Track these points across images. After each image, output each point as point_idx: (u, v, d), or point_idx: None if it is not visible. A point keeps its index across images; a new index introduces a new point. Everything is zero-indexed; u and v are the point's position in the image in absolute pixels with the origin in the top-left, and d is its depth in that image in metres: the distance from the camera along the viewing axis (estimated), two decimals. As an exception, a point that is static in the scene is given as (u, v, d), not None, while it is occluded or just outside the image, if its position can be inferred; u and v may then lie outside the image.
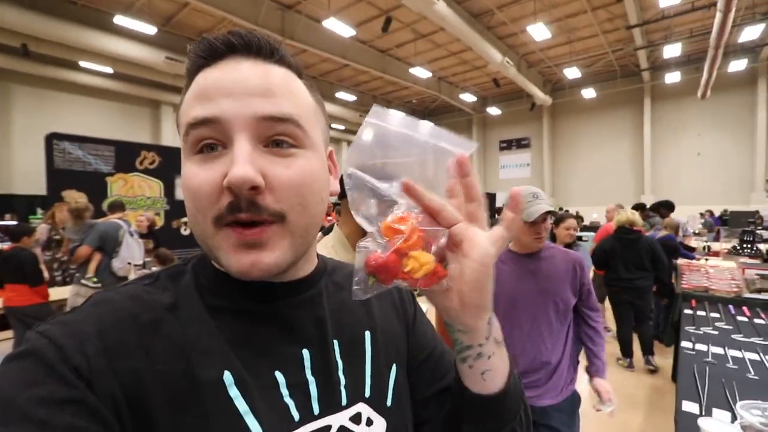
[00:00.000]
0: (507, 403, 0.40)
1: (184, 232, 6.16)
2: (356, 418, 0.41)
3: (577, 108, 16.24)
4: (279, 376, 0.38)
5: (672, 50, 10.42)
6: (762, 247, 5.04)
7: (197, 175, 0.35)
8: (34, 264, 3.02)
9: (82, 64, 10.58)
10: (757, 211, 8.37)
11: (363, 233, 0.34)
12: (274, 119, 0.35)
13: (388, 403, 0.44)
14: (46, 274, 3.19)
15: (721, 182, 13.39)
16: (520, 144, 18.15)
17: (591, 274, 3.57)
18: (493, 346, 0.38)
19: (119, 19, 8.42)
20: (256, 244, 0.34)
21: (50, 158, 5.02)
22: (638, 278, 3.49)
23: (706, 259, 4.62)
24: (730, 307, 2.61)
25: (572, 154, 16.69)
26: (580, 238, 5.23)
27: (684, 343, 1.96)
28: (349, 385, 0.42)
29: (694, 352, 1.85)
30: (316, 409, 0.39)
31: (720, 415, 1.28)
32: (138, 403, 0.31)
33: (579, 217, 9.65)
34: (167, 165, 5.97)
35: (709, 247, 5.92)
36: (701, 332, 2.14)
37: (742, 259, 4.49)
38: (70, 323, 0.32)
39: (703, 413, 1.31)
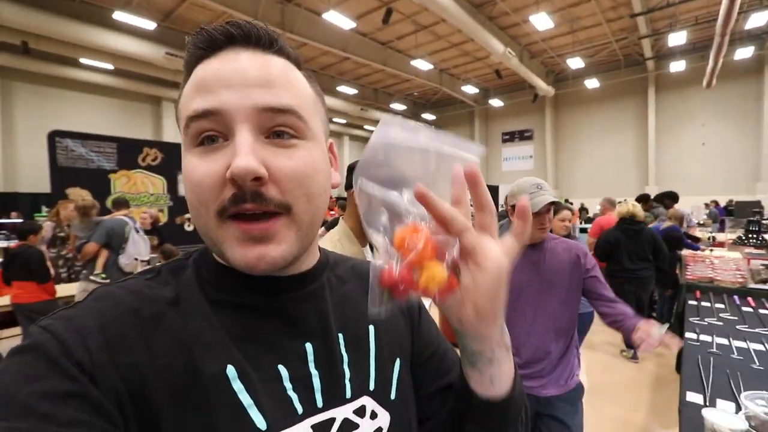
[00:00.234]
0: (512, 406, 0.41)
1: (188, 227, 6.18)
2: (360, 411, 0.41)
3: (580, 98, 16.08)
4: (282, 369, 0.38)
5: (677, 38, 10.26)
6: None
7: (198, 168, 0.34)
8: (41, 261, 3.05)
9: (83, 60, 10.57)
10: (758, 201, 8.29)
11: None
12: (274, 110, 0.35)
13: (392, 396, 0.44)
14: (52, 271, 3.22)
15: (726, 172, 13.25)
16: (522, 136, 18.03)
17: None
18: (503, 351, 0.38)
19: (118, 15, 8.38)
20: (263, 237, 0.34)
21: (53, 156, 5.03)
22: (641, 269, 3.51)
23: (711, 250, 4.60)
24: (735, 297, 2.60)
25: (575, 146, 16.56)
26: (584, 230, 5.20)
27: (688, 334, 1.96)
28: (354, 378, 0.42)
29: (698, 343, 1.85)
30: (319, 402, 0.39)
31: (724, 405, 1.29)
32: (140, 397, 0.31)
33: (584, 209, 9.63)
34: (170, 161, 5.97)
35: (714, 237, 5.88)
36: (706, 323, 2.14)
37: (748, 250, 4.47)
38: (72, 318, 0.32)
39: (708, 404, 1.31)
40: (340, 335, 0.43)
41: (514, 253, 0.33)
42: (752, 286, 2.78)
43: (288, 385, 0.37)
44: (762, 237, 4.96)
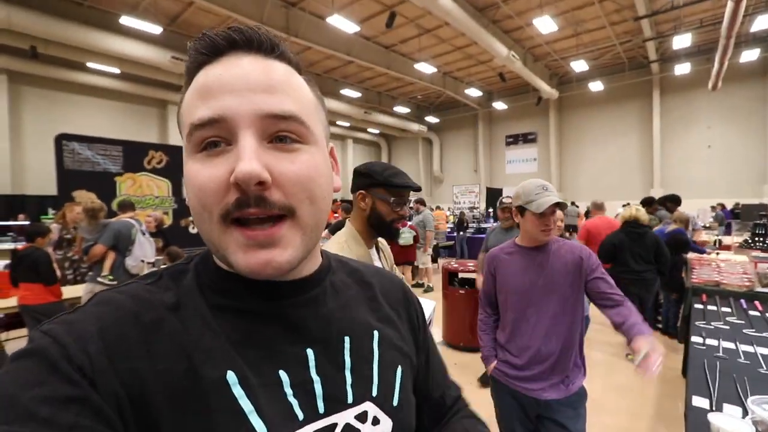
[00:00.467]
0: None
1: (192, 230, 6.22)
2: (362, 417, 0.41)
3: (584, 101, 16.04)
4: (283, 375, 0.38)
5: (682, 41, 10.22)
6: (775, 240, 4.95)
7: (202, 172, 0.35)
8: (47, 263, 3.08)
9: (90, 65, 10.68)
10: (765, 204, 8.21)
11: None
12: (277, 117, 0.35)
13: (395, 402, 0.44)
14: (58, 273, 3.25)
15: (732, 175, 13.13)
16: (526, 139, 17.99)
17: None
18: None
19: (125, 20, 8.47)
20: (269, 243, 0.34)
21: (60, 159, 5.10)
22: (646, 271, 3.54)
23: (717, 253, 4.55)
24: (742, 301, 2.57)
25: (580, 149, 16.50)
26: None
27: (694, 338, 1.94)
28: (356, 383, 0.42)
29: (704, 347, 1.83)
30: (321, 408, 0.38)
31: (731, 410, 1.27)
32: (140, 402, 0.31)
33: (589, 212, 9.58)
34: (175, 164, 6.03)
35: (720, 240, 5.83)
36: (712, 327, 2.12)
37: (755, 253, 4.41)
38: (73, 323, 0.32)
39: (714, 408, 1.30)
40: (344, 340, 0.43)
41: None
42: (759, 289, 2.75)
43: (289, 390, 0.37)
44: (769, 240, 4.91)
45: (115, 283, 3.23)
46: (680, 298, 3.84)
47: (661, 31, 11.58)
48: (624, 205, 4.19)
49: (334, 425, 0.39)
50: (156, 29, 8.94)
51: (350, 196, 1.34)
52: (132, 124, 13.29)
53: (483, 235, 6.18)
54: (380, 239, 1.36)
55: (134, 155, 5.72)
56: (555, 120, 16.76)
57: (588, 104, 16.03)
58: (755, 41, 11.45)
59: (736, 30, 7.78)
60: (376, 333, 0.46)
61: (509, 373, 1.52)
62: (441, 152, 20.90)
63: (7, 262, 4.67)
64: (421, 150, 21.49)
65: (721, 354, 1.73)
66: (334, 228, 3.78)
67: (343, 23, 9.13)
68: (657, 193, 9.67)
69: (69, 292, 3.51)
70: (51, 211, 8.31)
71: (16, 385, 0.28)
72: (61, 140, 5.12)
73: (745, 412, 1.22)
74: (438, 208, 12.24)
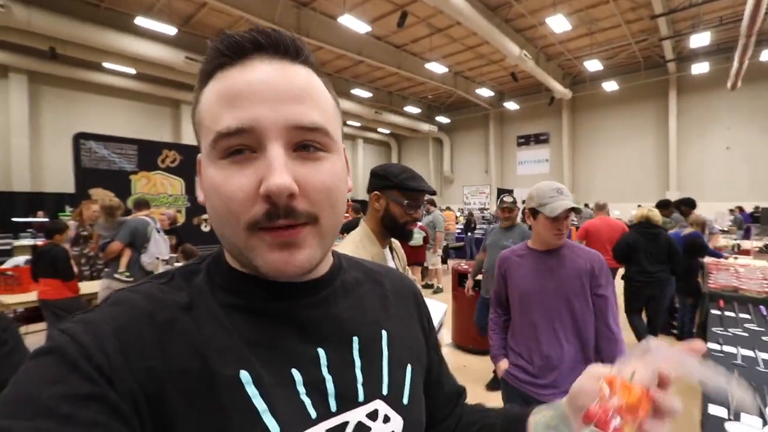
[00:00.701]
0: None
1: (205, 228, 6.32)
2: (373, 415, 0.41)
3: (598, 102, 15.80)
4: (296, 374, 0.38)
5: (700, 39, 9.98)
6: (796, 245, 4.81)
7: (228, 181, 0.34)
8: (66, 260, 3.15)
9: (106, 65, 10.92)
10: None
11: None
12: (305, 128, 0.35)
13: (405, 400, 0.45)
14: (75, 269, 3.33)
15: (752, 177, 12.79)
16: (538, 139, 17.80)
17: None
18: None
19: (140, 21, 8.64)
20: (290, 243, 0.35)
21: (77, 157, 5.22)
22: (660, 271, 3.51)
23: (735, 258, 4.44)
24: (762, 307, 2.50)
25: (593, 150, 16.26)
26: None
27: (711, 345, 1.90)
28: (367, 382, 0.42)
29: (722, 354, 1.78)
30: (333, 407, 0.39)
31: (749, 420, 1.24)
32: (156, 401, 0.31)
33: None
34: (188, 163, 6.13)
35: (738, 245, 5.68)
36: (730, 334, 2.06)
37: (775, 258, 4.30)
38: (90, 322, 0.33)
39: (731, 418, 1.26)
40: (354, 340, 0.43)
41: None
42: (779, 296, 2.67)
43: (301, 389, 0.38)
44: (790, 245, 4.77)
45: (131, 279, 3.29)
46: (696, 303, 3.75)
47: (678, 30, 11.34)
48: (638, 206, 4.16)
49: (346, 423, 0.39)
50: (170, 30, 9.10)
51: (360, 196, 1.35)
52: (146, 123, 13.55)
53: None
54: (394, 240, 1.37)
55: (148, 154, 5.83)
56: (568, 120, 16.54)
57: (602, 104, 15.79)
58: (777, 39, 11.13)
59: (757, 27, 7.58)
60: (385, 332, 0.47)
61: (520, 377, 1.50)
62: (451, 152, 20.82)
63: (28, 257, 4.80)
64: (432, 150, 21.43)
65: (739, 362, 1.69)
66: (346, 228, 3.79)
67: (354, 23, 9.16)
68: (673, 196, 9.47)
69: (85, 287, 3.59)
70: (68, 209, 8.51)
71: (37, 382, 0.29)
72: (78, 139, 5.25)
73: (765, 422, 1.19)
74: (447, 208, 12.19)
